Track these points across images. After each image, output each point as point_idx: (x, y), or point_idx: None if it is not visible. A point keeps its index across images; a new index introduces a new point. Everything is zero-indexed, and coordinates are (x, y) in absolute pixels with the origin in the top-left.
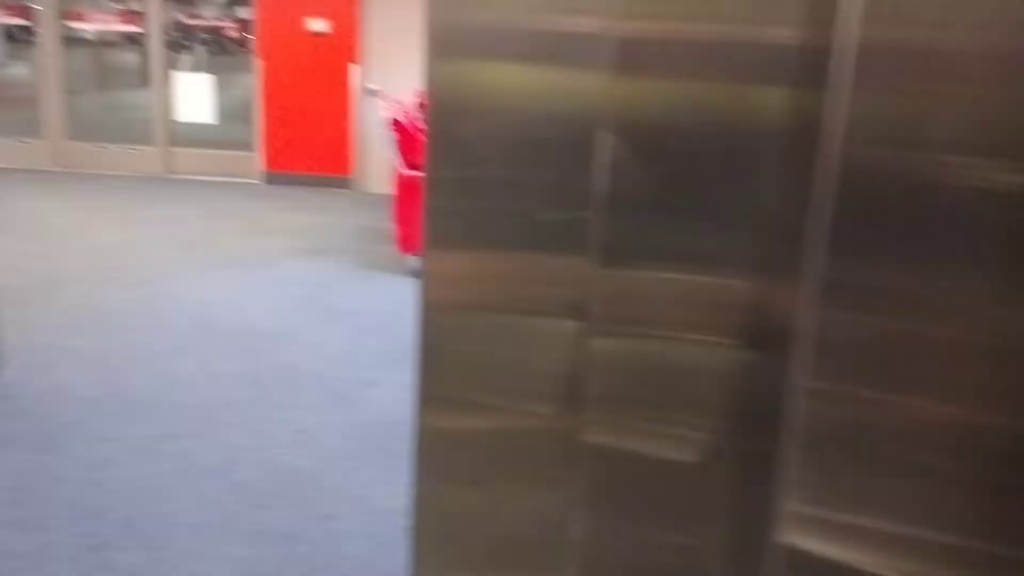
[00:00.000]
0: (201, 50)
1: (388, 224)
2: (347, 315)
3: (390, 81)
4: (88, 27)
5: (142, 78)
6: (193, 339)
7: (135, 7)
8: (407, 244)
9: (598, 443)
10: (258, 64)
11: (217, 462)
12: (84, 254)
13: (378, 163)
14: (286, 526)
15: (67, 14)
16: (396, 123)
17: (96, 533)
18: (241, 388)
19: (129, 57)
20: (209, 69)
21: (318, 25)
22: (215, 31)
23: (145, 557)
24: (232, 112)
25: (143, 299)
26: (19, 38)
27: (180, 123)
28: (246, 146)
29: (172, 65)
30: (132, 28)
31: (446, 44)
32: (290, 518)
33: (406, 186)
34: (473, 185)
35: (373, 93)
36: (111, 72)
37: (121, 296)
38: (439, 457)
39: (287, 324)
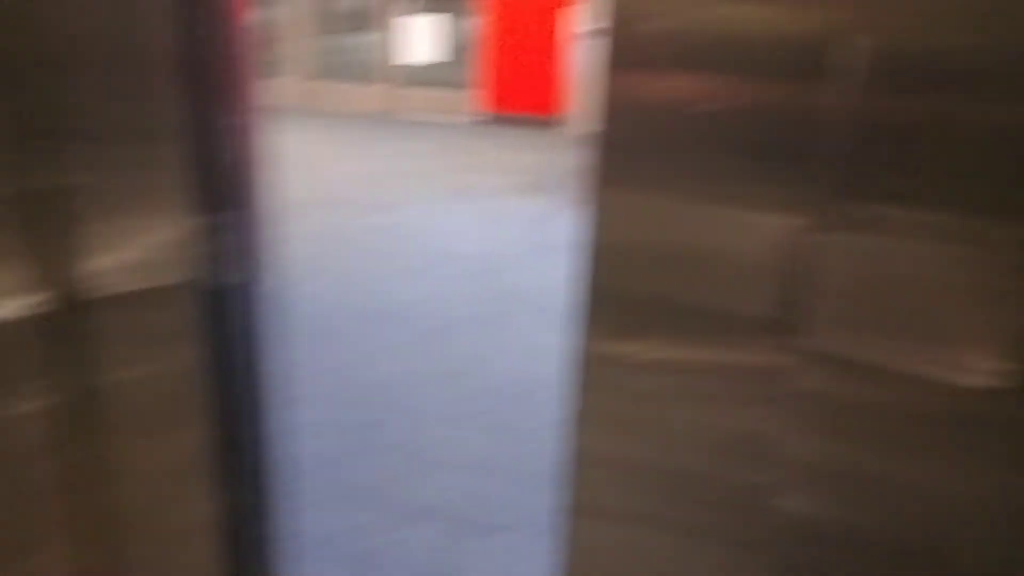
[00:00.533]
0: None
1: None
2: (562, 247)
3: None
4: None
5: (358, 22)
6: (427, 261)
7: None
8: None
9: (827, 356)
10: (482, 7)
11: (460, 367)
12: (326, 183)
13: (590, 104)
14: (525, 424)
15: None
16: None
17: (360, 416)
18: (474, 306)
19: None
20: (427, 13)
21: None
22: None
23: (405, 437)
24: (448, 55)
25: (380, 224)
26: None
27: (403, 64)
28: (464, 87)
29: (396, 10)
30: None
31: None
32: (528, 418)
33: None
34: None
35: (596, 33)
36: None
37: (361, 220)
38: (611, 372)
39: (508, 252)
